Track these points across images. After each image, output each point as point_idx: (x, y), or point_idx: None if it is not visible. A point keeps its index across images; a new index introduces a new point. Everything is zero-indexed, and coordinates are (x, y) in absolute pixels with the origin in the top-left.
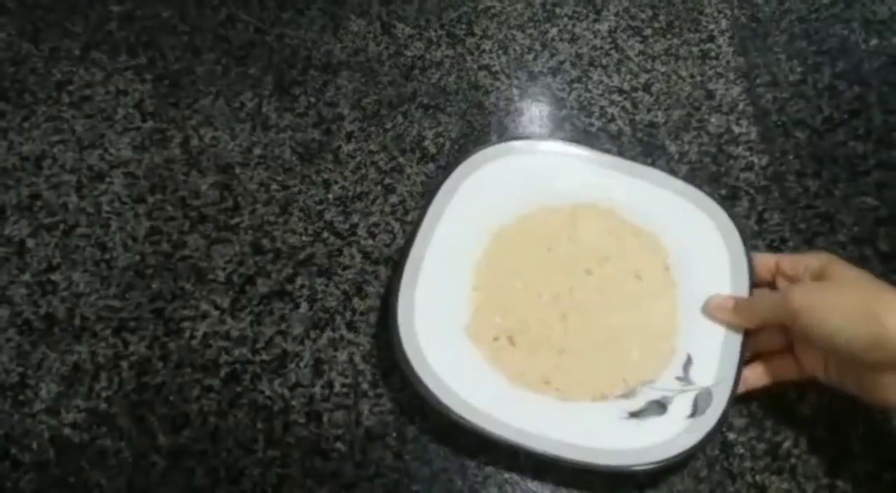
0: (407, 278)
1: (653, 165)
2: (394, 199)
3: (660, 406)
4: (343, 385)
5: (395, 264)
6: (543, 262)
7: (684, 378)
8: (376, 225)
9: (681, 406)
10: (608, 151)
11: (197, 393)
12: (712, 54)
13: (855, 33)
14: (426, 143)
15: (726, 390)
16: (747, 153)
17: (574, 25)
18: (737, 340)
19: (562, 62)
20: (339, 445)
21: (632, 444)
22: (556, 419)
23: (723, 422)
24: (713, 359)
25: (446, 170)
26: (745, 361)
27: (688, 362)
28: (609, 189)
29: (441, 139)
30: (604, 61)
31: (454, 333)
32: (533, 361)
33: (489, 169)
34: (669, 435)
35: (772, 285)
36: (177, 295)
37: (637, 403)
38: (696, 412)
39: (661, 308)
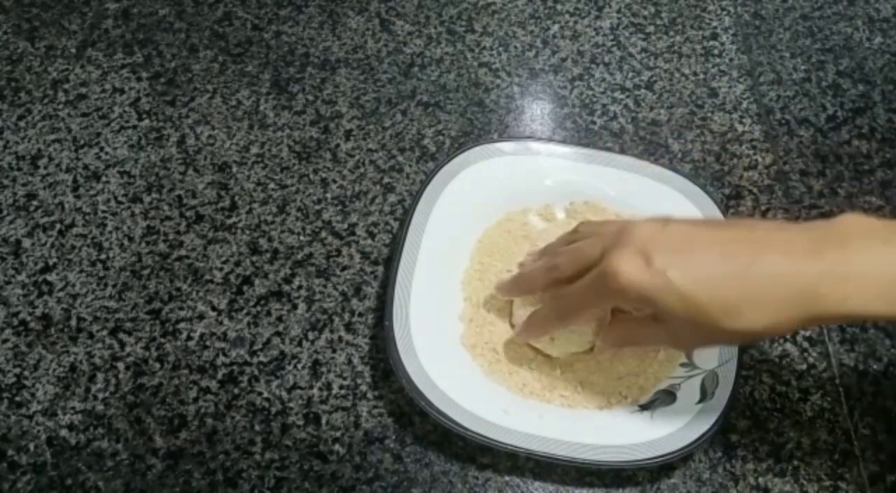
0: (398, 299)
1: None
2: (393, 198)
3: (668, 395)
4: (341, 387)
5: (384, 283)
6: None
7: (689, 364)
8: (375, 225)
9: (689, 393)
10: (588, 145)
11: (194, 395)
12: (715, 52)
13: (859, 31)
14: (426, 141)
15: (731, 371)
16: (751, 152)
17: (576, 22)
18: None
19: (563, 59)
20: (337, 447)
21: (645, 437)
22: (566, 420)
23: (732, 403)
24: None
25: (424, 182)
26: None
27: (690, 348)
28: (587, 182)
29: (441, 137)
30: (606, 59)
31: (453, 346)
32: (533, 370)
33: (466, 175)
34: (681, 423)
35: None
36: (173, 296)
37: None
38: (704, 396)
39: None
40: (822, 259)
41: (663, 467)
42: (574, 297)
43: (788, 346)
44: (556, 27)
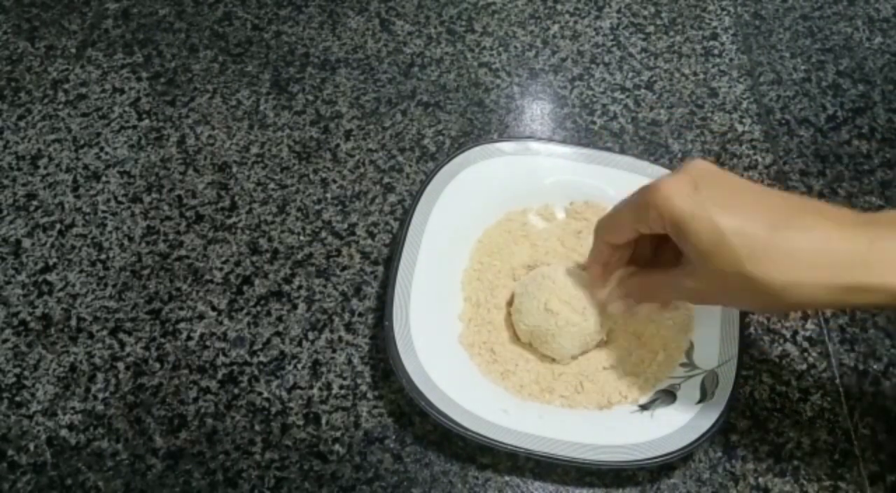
0: (398, 299)
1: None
2: (393, 198)
3: (668, 395)
4: (341, 387)
5: (384, 283)
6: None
7: (689, 364)
8: (375, 225)
9: (689, 393)
10: (588, 146)
11: (194, 395)
12: (715, 52)
13: (859, 31)
14: (426, 141)
15: (731, 371)
16: (751, 152)
17: (576, 22)
18: (735, 319)
19: (563, 59)
20: (337, 447)
21: (645, 437)
22: (566, 420)
23: (732, 403)
24: (714, 341)
25: (424, 182)
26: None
27: (690, 348)
28: (587, 182)
29: (441, 137)
30: (606, 59)
31: (453, 346)
32: (532, 371)
33: (466, 175)
34: (681, 423)
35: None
36: (173, 296)
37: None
38: (704, 396)
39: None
40: (873, 231)
41: (663, 467)
42: (615, 211)
43: (788, 346)
44: (556, 27)
